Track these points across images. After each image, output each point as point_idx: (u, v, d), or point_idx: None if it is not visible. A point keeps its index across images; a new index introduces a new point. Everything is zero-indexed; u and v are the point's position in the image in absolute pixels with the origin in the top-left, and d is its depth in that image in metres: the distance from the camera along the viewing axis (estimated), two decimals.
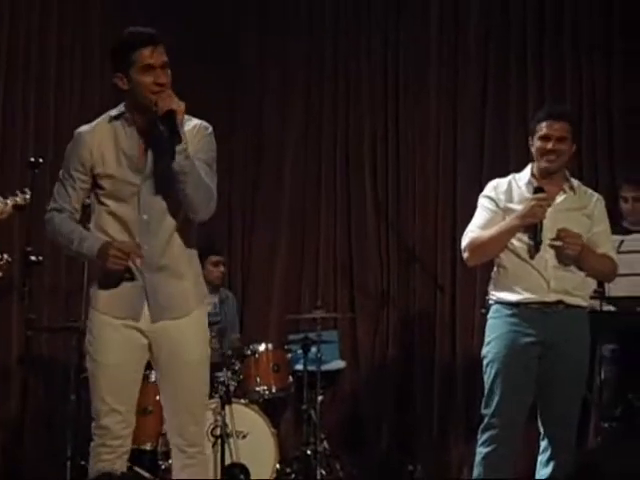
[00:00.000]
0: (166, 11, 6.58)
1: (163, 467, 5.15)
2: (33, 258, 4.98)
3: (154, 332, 3.51)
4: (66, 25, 6.28)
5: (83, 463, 5.24)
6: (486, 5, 6.53)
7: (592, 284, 4.42)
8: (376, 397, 6.50)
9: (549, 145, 4.17)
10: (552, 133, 4.17)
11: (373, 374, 6.56)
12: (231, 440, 5.13)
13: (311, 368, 5.80)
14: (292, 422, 6.41)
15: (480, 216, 4.33)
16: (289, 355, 5.89)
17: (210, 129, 3.60)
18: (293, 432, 6.35)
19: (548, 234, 4.15)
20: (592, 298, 4.94)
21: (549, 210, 4.14)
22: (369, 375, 6.57)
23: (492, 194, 4.33)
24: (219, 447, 5.09)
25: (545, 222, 4.14)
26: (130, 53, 3.34)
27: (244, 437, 5.24)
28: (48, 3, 6.17)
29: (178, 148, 3.32)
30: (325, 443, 5.73)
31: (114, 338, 3.48)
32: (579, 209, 4.26)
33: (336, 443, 6.03)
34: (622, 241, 4.92)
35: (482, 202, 4.36)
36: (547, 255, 4.16)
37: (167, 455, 5.08)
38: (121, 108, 3.50)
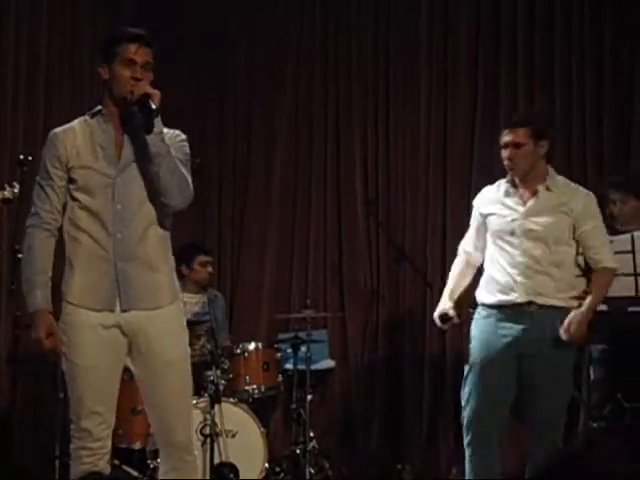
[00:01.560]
0: (156, 14, 6.59)
1: (152, 466, 5.13)
2: (21, 256, 4.94)
3: (130, 327, 3.46)
4: (56, 25, 6.28)
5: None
6: (476, 7, 6.53)
7: (577, 285, 4.35)
8: (365, 396, 6.51)
9: (505, 153, 4.30)
10: (507, 141, 4.30)
11: (363, 373, 6.56)
12: (220, 439, 5.11)
13: (301, 367, 5.80)
14: (281, 421, 6.41)
15: (470, 227, 4.58)
16: (279, 354, 5.88)
17: (184, 136, 3.64)
18: (282, 431, 6.35)
19: (519, 238, 4.26)
20: (581, 298, 4.95)
21: (519, 215, 4.28)
22: (359, 374, 6.57)
23: (476, 201, 4.54)
24: (208, 446, 5.08)
25: (516, 226, 4.26)
26: (116, 45, 3.43)
27: (233, 436, 5.23)
28: (37, 4, 6.15)
29: (155, 130, 3.37)
30: (314, 442, 5.72)
31: (91, 339, 3.44)
32: (556, 206, 4.27)
33: (325, 442, 6.04)
34: (611, 241, 4.93)
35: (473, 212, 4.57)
36: (520, 258, 4.25)
37: (156, 454, 5.04)
38: (97, 108, 3.53)
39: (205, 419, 5.14)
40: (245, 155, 6.98)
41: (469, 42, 6.54)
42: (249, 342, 5.77)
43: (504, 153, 4.32)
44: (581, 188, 4.40)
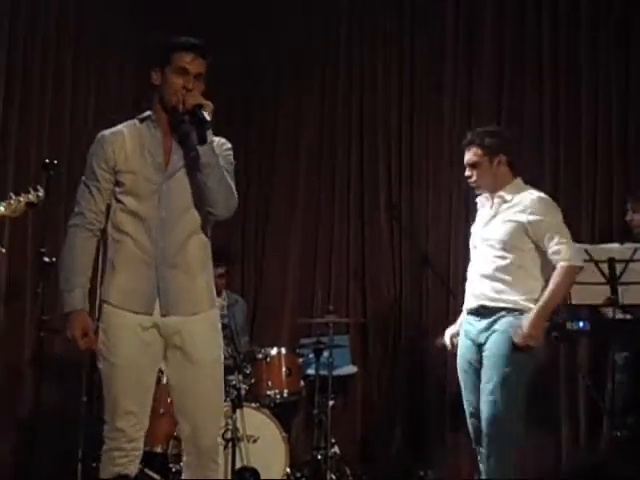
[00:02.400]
0: (187, 26, 6.60)
1: (174, 470, 5.15)
2: (47, 259, 4.99)
3: (167, 330, 3.49)
4: (83, 29, 6.32)
5: (94, 465, 5.26)
6: (500, 10, 6.52)
7: (535, 289, 4.40)
8: (387, 402, 6.50)
9: (466, 172, 4.52)
10: (465, 162, 4.52)
11: (384, 379, 6.55)
12: (242, 444, 5.13)
13: (323, 373, 5.80)
14: (303, 426, 6.41)
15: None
16: (301, 359, 5.88)
17: (229, 144, 3.68)
18: (304, 436, 6.35)
19: (478, 247, 4.50)
20: (604, 306, 4.98)
21: (481, 225, 4.53)
22: (380, 380, 6.56)
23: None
24: (230, 451, 5.09)
25: (478, 235, 4.54)
26: (172, 52, 3.45)
27: (255, 441, 5.24)
28: (65, 8, 6.20)
29: (207, 139, 3.41)
30: (336, 448, 5.72)
31: (130, 340, 3.46)
32: (508, 214, 4.40)
33: (347, 448, 6.03)
34: (636, 249, 4.91)
35: None
36: (477, 267, 4.49)
37: (178, 458, 5.07)
38: (147, 112, 3.57)
39: (227, 424, 5.14)
40: (270, 161, 7.01)
41: (493, 46, 6.54)
42: (271, 347, 5.78)
43: (465, 173, 4.54)
44: (535, 194, 4.46)
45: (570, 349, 5.94)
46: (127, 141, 3.52)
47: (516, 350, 4.25)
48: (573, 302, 5.05)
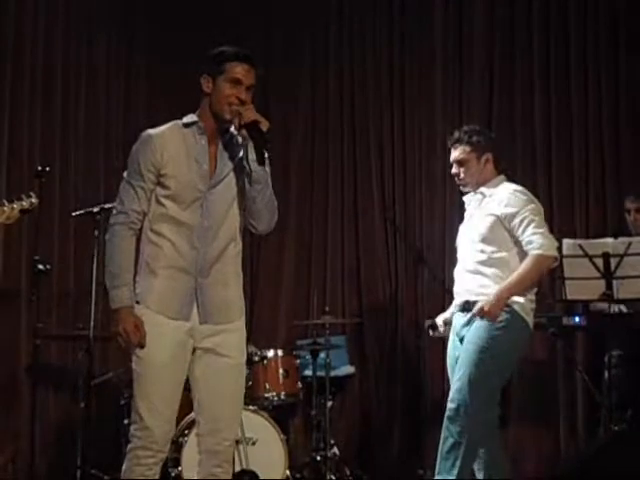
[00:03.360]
0: (169, 29, 6.65)
1: (173, 474, 5.14)
2: (41, 267, 4.98)
3: (201, 334, 3.52)
4: (71, 37, 6.33)
5: (93, 471, 5.26)
6: (490, 9, 6.54)
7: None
8: (385, 402, 6.50)
9: (453, 170, 4.58)
10: (452, 159, 4.58)
11: (382, 379, 6.55)
12: (241, 447, 5.11)
13: (320, 374, 5.80)
14: (301, 428, 6.41)
15: None
16: (298, 361, 5.87)
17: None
18: (302, 438, 6.34)
19: (462, 243, 4.57)
20: (600, 301, 4.98)
21: (465, 221, 4.62)
22: (378, 380, 6.56)
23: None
24: None
25: (461, 232, 4.62)
26: (226, 62, 3.49)
27: (253, 443, 5.22)
28: (53, 14, 6.20)
29: (265, 159, 3.47)
30: (335, 449, 5.72)
31: (166, 343, 3.48)
32: (485, 209, 4.46)
33: (346, 448, 6.03)
34: (630, 243, 4.92)
35: None
36: (460, 263, 4.55)
37: (177, 462, 5.09)
38: (193, 117, 3.57)
39: None
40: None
41: (484, 45, 6.55)
42: (268, 349, 5.77)
43: (452, 171, 4.59)
44: (511, 187, 4.51)
45: (567, 344, 5.94)
46: (174, 145, 3.51)
47: (492, 340, 4.27)
48: (569, 297, 5.07)
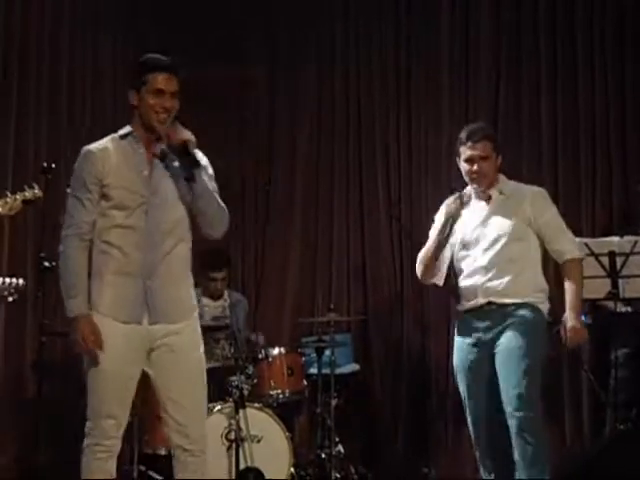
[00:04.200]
0: (178, 29, 6.65)
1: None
2: (46, 264, 4.99)
3: (154, 336, 3.63)
4: (77, 38, 6.34)
5: None
6: (496, 12, 6.53)
7: (539, 280, 4.45)
8: (390, 400, 6.50)
9: (474, 167, 4.40)
10: (475, 155, 4.40)
11: (387, 376, 6.55)
12: (245, 444, 5.12)
13: (325, 371, 5.79)
14: (306, 426, 6.41)
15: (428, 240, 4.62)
16: (303, 358, 5.88)
17: (205, 158, 3.78)
18: (307, 436, 6.34)
19: (479, 243, 4.40)
20: (607, 299, 4.97)
21: (478, 220, 4.43)
22: (383, 378, 6.56)
23: (438, 216, 4.63)
24: (233, 451, 5.09)
25: (477, 233, 4.42)
26: (146, 74, 3.63)
27: (258, 441, 5.22)
28: (59, 16, 6.21)
29: (198, 172, 3.61)
30: (340, 446, 5.72)
31: (118, 348, 3.59)
32: (510, 207, 4.40)
33: (351, 446, 6.02)
34: (636, 242, 4.91)
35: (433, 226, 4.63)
36: (479, 262, 4.40)
37: None
38: (128, 128, 3.72)
39: (230, 424, 5.15)
40: (267, 160, 7.00)
41: (490, 46, 6.55)
42: (273, 347, 5.77)
43: (469, 167, 4.42)
44: (531, 187, 4.52)
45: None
46: (113, 156, 3.64)
47: (532, 342, 4.28)
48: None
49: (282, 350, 5.75)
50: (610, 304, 5.16)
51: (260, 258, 6.88)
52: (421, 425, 6.37)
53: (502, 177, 4.53)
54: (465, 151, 4.43)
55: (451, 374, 6.23)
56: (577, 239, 5.02)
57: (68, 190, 3.70)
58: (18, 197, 4.58)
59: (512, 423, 4.22)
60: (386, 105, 6.77)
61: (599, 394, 5.58)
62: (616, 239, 5.02)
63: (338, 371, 5.93)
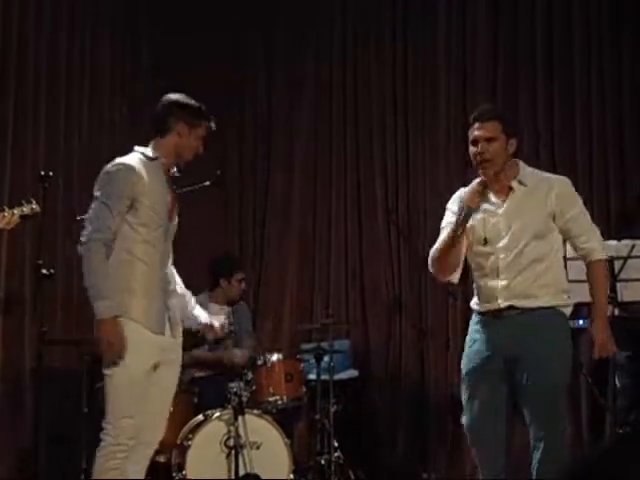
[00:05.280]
0: (172, 32, 6.66)
1: (177, 479, 5.14)
2: (44, 271, 4.99)
3: (168, 348, 3.90)
4: (75, 42, 6.33)
5: None
6: (494, 16, 6.54)
7: (563, 279, 4.11)
8: (389, 405, 6.50)
9: (476, 148, 3.99)
10: (479, 135, 3.99)
11: (386, 382, 6.55)
12: (245, 451, 5.11)
13: (324, 377, 5.79)
14: (306, 432, 6.40)
15: (442, 233, 4.18)
16: (302, 365, 5.87)
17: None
18: (307, 442, 6.34)
19: (502, 239, 3.99)
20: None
21: (499, 216, 4.00)
22: (382, 384, 6.56)
23: (450, 205, 4.23)
24: (233, 458, 5.08)
25: (498, 228, 4.01)
26: (203, 120, 3.99)
27: (258, 447, 5.21)
28: (58, 20, 6.21)
29: None
30: (339, 452, 5.71)
31: (146, 355, 3.80)
32: (534, 200, 4.00)
33: (350, 452, 6.01)
34: (634, 245, 4.91)
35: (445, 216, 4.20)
36: (499, 261, 3.99)
37: (181, 467, 5.08)
38: (153, 152, 3.92)
39: (229, 431, 5.14)
40: (265, 165, 7.01)
41: (488, 52, 6.55)
42: (272, 353, 5.77)
43: (474, 149, 4.00)
44: (555, 176, 4.15)
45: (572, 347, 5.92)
46: (146, 176, 3.83)
47: (565, 350, 4.02)
48: (572, 300, 5.04)
49: (281, 356, 5.75)
50: (608, 308, 5.15)
51: (258, 264, 6.89)
52: (420, 430, 6.36)
53: (521, 164, 4.09)
54: (471, 133, 4.03)
55: (450, 378, 6.28)
56: None
57: (97, 194, 3.81)
58: (16, 212, 4.58)
59: (538, 445, 3.97)
60: (383, 106, 6.77)
61: (598, 398, 5.57)
62: (614, 243, 5.01)
63: (337, 377, 5.93)
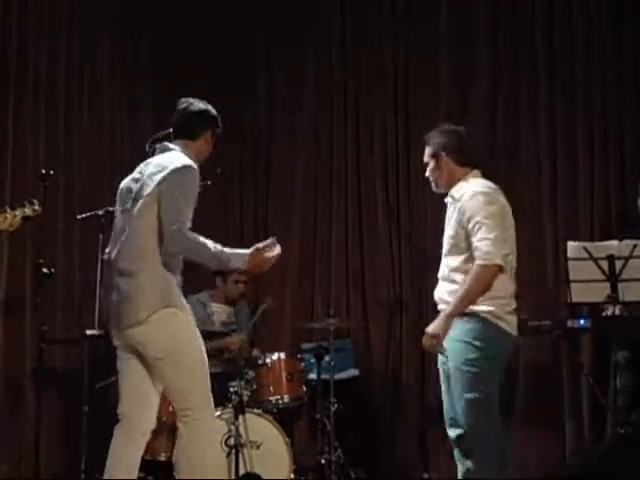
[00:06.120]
0: (172, 32, 6.66)
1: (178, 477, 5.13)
2: (45, 270, 4.98)
3: None
4: (75, 42, 6.33)
5: (98, 476, 5.25)
6: (494, 15, 6.54)
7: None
8: (390, 405, 6.48)
9: (427, 173, 4.48)
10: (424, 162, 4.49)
11: (387, 382, 6.54)
12: (245, 450, 5.11)
13: (325, 377, 5.79)
14: (306, 431, 6.40)
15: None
16: (302, 364, 5.87)
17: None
18: (307, 441, 6.33)
19: (443, 247, 4.37)
20: (605, 303, 4.94)
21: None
22: (383, 383, 6.55)
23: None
24: (233, 457, 5.08)
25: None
26: (218, 128, 4.32)
27: (258, 447, 5.22)
28: (57, 21, 6.21)
29: None
30: (339, 452, 5.71)
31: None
32: (455, 212, 4.30)
33: (350, 452, 6.01)
34: (635, 245, 4.90)
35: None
36: (441, 270, 4.38)
37: None
38: (191, 160, 4.10)
39: (230, 430, 5.14)
40: (266, 167, 7.01)
41: (488, 46, 6.54)
42: (272, 352, 5.77)
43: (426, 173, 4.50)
44: (473, 187, 4.29)
45: (572, 347, 5.92)
46: None
47: (471, 355, 4.11)
48: (574, 300, 5.04)
49: (281, 356, 5.75)
50: (609, 308, 5.15)
51: None
52: (421, 431, 6.36)
53: (473, 174, 4.41)
54: None
55: None
56: (576, 243, 5.02)
57: (178, 190, 3.90)
58: (18, 213, 4.55)
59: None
60: (384, 107, 6.77)
61: (599, 398, 5.57)
62: (615, 243, 5.01)
63: (338, 377, 5.93)
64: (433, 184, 4.49)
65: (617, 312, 5.10)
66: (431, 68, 6.69)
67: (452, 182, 4.39)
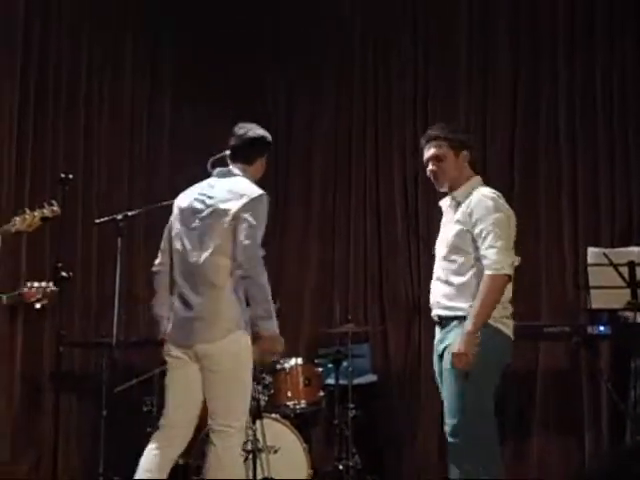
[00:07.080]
0: (195, 34, 6.68)
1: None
2: (64, 274, 4.99)
3: None
4: (96, 45, 6.35)
5: (116, 479, 5.26)
6: (515, 26, 6.51)
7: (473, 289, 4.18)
8: (408, 410, 6.46)
9: (429, 167, 4.35)
10: (428, 157, 4.35)
11: (405, 387, 6.52)
12: (263, 455, 5.10)
13: (342, 382, 5.78)
14: (324, 436, 6.39)
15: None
16: (320, 369, 5.86)
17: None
18: (325, 447, 6.32)
19: (437, 253, 4.34)
20: (625, 310, 4.90)
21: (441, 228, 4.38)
22: (401, 388, 6.53)
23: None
24: (251, 462, 5.07)
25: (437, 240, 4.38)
26: (270, 149, 4.52)
27: (275, 452, 5.20)
28: (78, 22, 6.23)
29: None
30: (357, 458, 5.69)
31: None
32: (459, 215, 4.21)
33: (368, 458, 5.99)
34: None
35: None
36: (435, 274, 4.39)
37: (199, 470, 5.07)
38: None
39: (247, 435, 5.12)
40: (284, 170, 7.01)
41: (508, 58, 6.51)
42: (290, 357, 5.76)
43: (428, 168, 4.36)
44: (481, 191, 4.23)
45: (592, 353, 5.89)
46: None
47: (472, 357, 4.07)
48: (593, 306, 5.02)
49: (299, 361, 5.74)
50: (630, 314, 5.11)
51: (278, 269, 6.88)
52: (439, 436, 6.31)
53: (475, 180, 4.33)
54: (423, 155, 4.41)
55: None
56: (596, 249, 5.00)
57: (259, 218, 4.14)
58: (37, 214, 4.57)
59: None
60: (403, 111, 6.76)
61: (619, 405, 5.53)
62: (636, 249, 4.98)
63: (356, 382, 5.91)
64: (439, 180, 4.32)
65: (638, 320, 5.06)
66: (450, 74, 6.66)
67: (459, 181, 4.29)
